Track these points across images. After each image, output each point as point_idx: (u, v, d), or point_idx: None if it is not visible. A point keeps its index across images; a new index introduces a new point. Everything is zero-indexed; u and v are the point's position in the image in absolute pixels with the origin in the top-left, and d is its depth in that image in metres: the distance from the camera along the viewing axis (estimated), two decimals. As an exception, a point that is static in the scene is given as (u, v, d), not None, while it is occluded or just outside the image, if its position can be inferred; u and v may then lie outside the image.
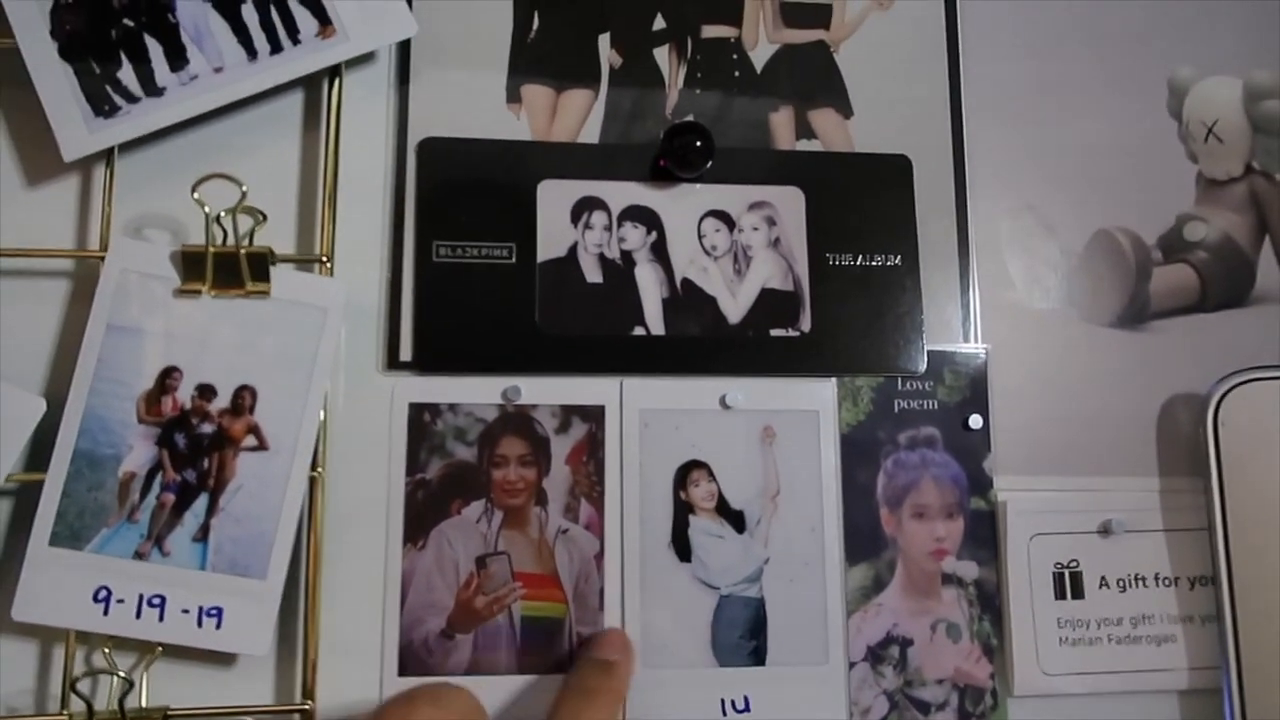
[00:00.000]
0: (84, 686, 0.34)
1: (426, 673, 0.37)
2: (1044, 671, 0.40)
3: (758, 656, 0.39)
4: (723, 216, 0.42)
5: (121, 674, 0.34)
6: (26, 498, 0.36)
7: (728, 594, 0.39)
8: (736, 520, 0.40)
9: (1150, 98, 0.45)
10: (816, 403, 0.41)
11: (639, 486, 0.39)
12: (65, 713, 0.34)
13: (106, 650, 0.35)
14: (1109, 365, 0.43)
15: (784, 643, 0.39)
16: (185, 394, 0.36)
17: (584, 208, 0.41)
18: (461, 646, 0.37)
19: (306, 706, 0.35)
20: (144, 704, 0.35)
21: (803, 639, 0.39)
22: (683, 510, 0.39)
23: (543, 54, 0.42)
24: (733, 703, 0.39)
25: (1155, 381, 0.43)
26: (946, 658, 0.40)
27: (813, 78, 0.44)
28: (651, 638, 0.38)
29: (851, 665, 0.39)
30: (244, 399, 0.36)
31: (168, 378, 0.36)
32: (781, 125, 0.43)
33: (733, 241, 0.41)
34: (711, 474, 0.40)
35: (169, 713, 0.35)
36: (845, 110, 0.43)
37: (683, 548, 0.39)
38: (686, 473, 0.40)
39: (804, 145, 0.43)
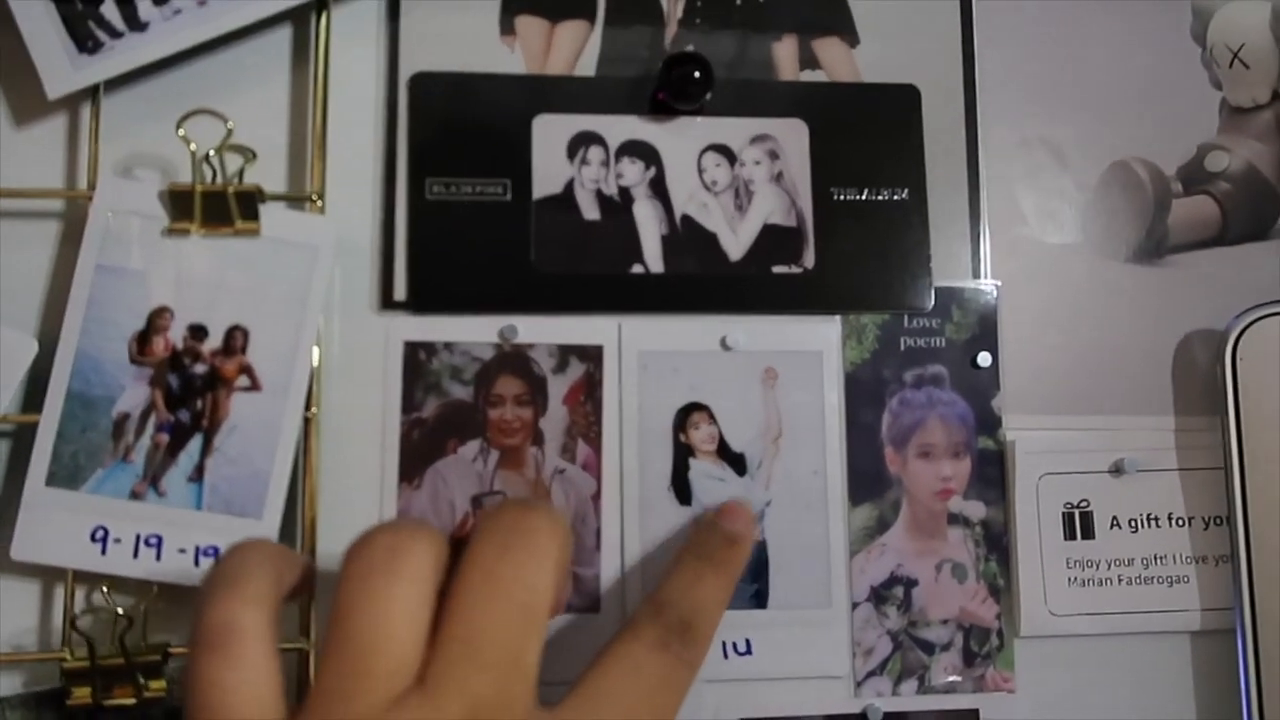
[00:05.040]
0: (87, 627, 0.35)
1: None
2: (1052, 612, 0.39)
3: (759, 600, 0.38)
4: (723, 151, 0.40)
5: (121, 610, 0.34)
6: (22, 439, 0.36)
7: (728, 535, 0.39)
8: (737, 463, 0.39)
9: (1172, 21, 0.43)
10: (820, 343, 0.40)
11: (638, 428, 0.39)
12: (66, 649, 0.35)
13: (105, 589, 0.35)
14: (1124, 301, 0.42)
15: (786, 585, 0.39)
16: (177, 334, 0.36)
17: (581, 143, 0.40)
18: (459, 586, 0.37)
19: (302, 645, 0.36)
20: (144, 642, 0.35)
21: (805, 581, 0.39)
22: (683, 453, 0.39)
23: (537, -16, 0.41)
24: (734, 645, 0.38)
25: (1172, 317, 0.42)
26: (952, 598, 0.39)
27: (818, 5, 0.42)
28: (652, 581, 0.38)
29: (855, 606, 0.39)
30: (236, 339, 0.36)
31: (158, 318, 0.36)
32: (785, 55, 0.42)
33: (734, 176, 0.40)
34: (712, 416, 0.39)
35: (169, 650, 0.35)
36: (851, 39, 0.42)
37: (683, 490, 0.39)
38: (687, 415, 0.39)
39: (808, 76, 0.41)
